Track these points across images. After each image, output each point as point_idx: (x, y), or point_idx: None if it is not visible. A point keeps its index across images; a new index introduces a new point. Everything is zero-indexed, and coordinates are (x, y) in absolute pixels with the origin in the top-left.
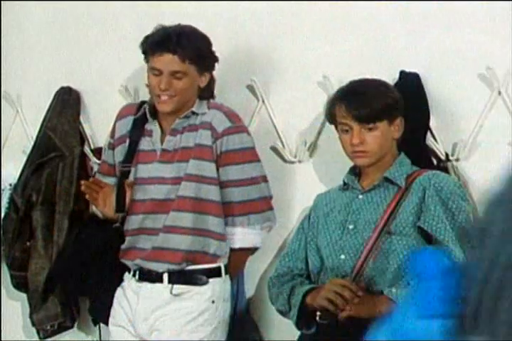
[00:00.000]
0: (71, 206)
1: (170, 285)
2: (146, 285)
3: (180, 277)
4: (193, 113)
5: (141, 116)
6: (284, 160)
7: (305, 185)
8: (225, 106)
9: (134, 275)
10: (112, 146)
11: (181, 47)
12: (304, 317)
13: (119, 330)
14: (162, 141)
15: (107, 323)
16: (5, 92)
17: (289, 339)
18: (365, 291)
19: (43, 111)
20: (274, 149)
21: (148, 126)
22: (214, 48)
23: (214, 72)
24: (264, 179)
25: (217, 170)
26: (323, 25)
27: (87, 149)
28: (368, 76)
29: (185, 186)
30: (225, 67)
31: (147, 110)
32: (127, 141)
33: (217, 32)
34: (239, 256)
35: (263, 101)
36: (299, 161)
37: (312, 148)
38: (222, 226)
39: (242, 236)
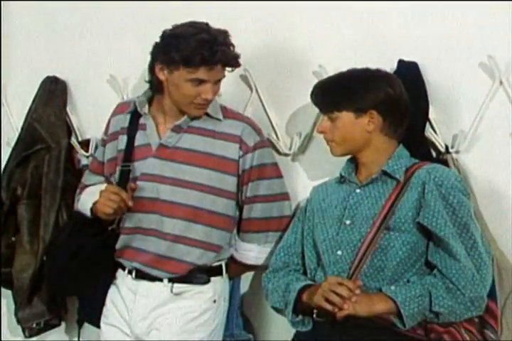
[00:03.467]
0: (57, 200)
1: (170, 284)
2: (144, 284)
3: (180, 276)
4: (207, 115)
5: (134, 112)
6: (279, 153)
7: (300, 177)
8: (245, 115)
9: (129, 273)
10: (104, 143)
11: (226, 57)
12: (300, 315)
13: (112, 330)
14: (159, 135)
15: (96, 325)
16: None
17: (285, 336)
18: (362, 289)
19: (29, 102)
20: (268, 141)
21: (141, 120)
22: None
23: None
24: (288, 197)
25: (239, 185)
26: (319, 14)
27: (74, 141)
28: (365, 65)
29: (201, 197)
30: None
31: (137, 104)
32: (120, 138)
33: (211, 21)
34: (245, 270)
35: (256, 92)
36: (294, 153)
37: (307, 140)
38: (229, 240)
39: (257, 254)
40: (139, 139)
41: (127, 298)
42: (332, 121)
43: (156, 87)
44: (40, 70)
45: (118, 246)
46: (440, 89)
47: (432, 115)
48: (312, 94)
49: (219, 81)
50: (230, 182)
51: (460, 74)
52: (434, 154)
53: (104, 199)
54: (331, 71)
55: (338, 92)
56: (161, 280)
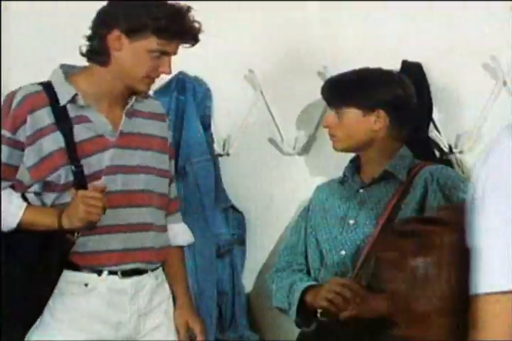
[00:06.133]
0: None
1: (153, 273)
2: (132, 280)
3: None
4: (146, 97)
5: (59, 104)
6: (283, 153)
7: (303, 177)
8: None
9: (110, 274)
10: (19, 144)
11: (196, 34)
12: (304, 315)
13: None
14: (112, 124)
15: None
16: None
17: (292, 336)
18: (366, 290)
19: None
20: (271, 141)
21: (75, 113)
22: (212, 38)
23: (211, 63)
24: None
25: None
26: (323, 15)
27: None
28: (369, 66)
29: (161, 181)
30: (222, 57)
31: (60, 95)
32: (48, 137)
33: (215, 21)
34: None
35: (261, 92)
36: (298, 153)
37: (310, 140)
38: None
39: (184, 231)
40: (80, 134)
41: (115, 301)
42: (339, 116)
43: (100, 60)
44: (43, 72)
45: (82, 250)
46: (444, 90)
47: (435, 115)
48: (323, 88)
49: (174, 54)
50: (167, 162)
51: (463, 75)
52: (437, 154)
53: (87, 206)
54: (335, 72)
55: (349, 88)
56: (147, 272)
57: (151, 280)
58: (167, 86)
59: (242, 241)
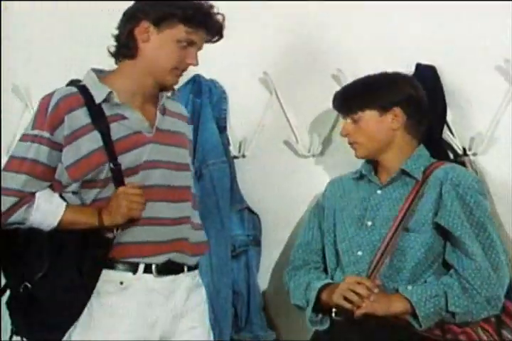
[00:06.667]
0: None
1: (190, 273)
2: (168, 279)
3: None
4: (175, 94)
5: (95, 104)
6: (298, 155)
7: (318, 179)
8: None
9: (146, 272)
10: (57, 145)
11: (221, 26)
12: (319, 313)
13: None
14: (149, 120)
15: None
16: (14, 85)
17: (307, 335)
18: (381, 288)
19: None
20: (287, 143)
21: (111, 111)
22: (228, 41)
23: (227, 66)
24: None
25: None
26: (337, 18)
27: None
28: (383, 69)
29: (187, 176)
30: (237, 60)
31: (96, 94)
32: (87, 136)
33: (230, 24)
34: None
35: (276, 95)
36: (313, 155)
37: (325, 143)
38: None
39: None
40: (118, 131)
41: (150, 300)
42: (355, 122)
43: (128, 53)
44: (63, 74)
45: (120, 241)
46: (457, 92)
47: (449, 118)
48: (334, 99)
49: (199, 49)
50: (191, 162)
51: (477, 78)
52: (451, 156)
53: (132, 203)
54: (349, 75)
55: (361, 93)
56: (182, 270)
57: (188, 280)
58: (183, 88)
59: (257, 242)
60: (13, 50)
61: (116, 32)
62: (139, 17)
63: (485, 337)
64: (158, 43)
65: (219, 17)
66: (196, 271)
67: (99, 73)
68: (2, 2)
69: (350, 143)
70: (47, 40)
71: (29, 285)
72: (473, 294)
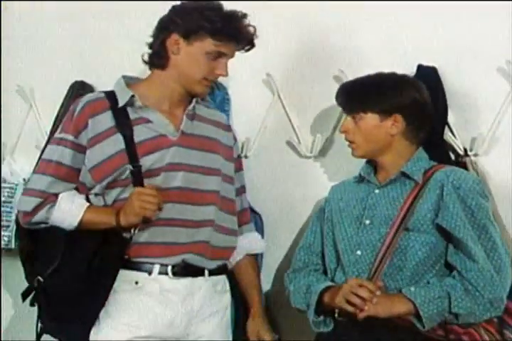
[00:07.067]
0: None
1: (210, 278)
2: (185, 281)
3: (218, 267)
4: (203, 100)
5: (119, 108)
6: (300, 155)
7: (321, 180)
8: None
9: (161, 273)
10: (81, 147)
11: (251, 37)
12: (322, 315)
13: None
14: (174, 124)
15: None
16: (18, 86)
17: (310, 336)
18: (383, 290)
19: (57, 105)
20: (289, 144)
21: (135, 115)
22: None
23: (229, 67)
24: None
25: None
26: (339, 19)
27: None
28: (385, 70)
29: (220, 183)
30: (240, 61)
31: (121, 98)
32: (110, 139)
33: None
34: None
35: (278, 96)
36: (315, 156)
37: (328, 143)
38: None
39: (258, 239)
40: (141, 134)
41: (166, 300)
42: (356, 122)
43: (159, 63)
44: (68, 75)
45: (141, 240)
46: (459, 94)
47: (450, 119)
48: (338, 94)
49: (231, 57)
50: (231, 169)
51: (478, 79)
52: (453, 157)
53: (144, 203)
54: (351, 76)
55: (366, 93)
56: (202, 273)
57: (208, 285)
58: None
59: None
60: (13, 50)
61: (150, 40)
62: (169, 29)
63: (487, 338)
64: (187, 56)
65: (249, 29)
66: (221, 277)
67: (130, 80)
68: (2, 2)
69: (347, 141)
70: (47, 40)
71: (41, 279)
72: (476, 296)
